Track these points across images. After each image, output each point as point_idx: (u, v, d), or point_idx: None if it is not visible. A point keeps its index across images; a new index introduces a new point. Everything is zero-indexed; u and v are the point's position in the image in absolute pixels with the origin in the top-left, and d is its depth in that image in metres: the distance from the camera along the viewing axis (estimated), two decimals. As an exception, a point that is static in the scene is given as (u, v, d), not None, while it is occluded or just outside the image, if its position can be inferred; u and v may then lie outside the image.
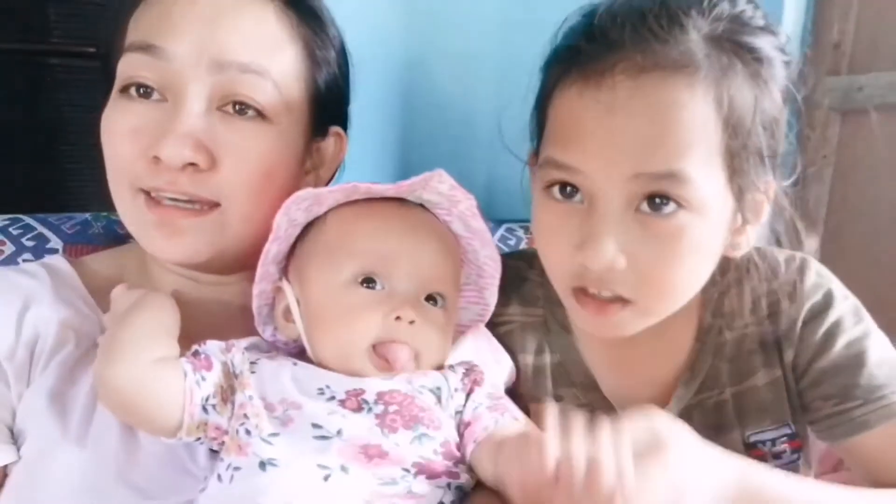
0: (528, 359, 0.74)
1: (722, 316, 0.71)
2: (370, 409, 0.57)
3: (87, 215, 0.89)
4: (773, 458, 0.70)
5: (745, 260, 0.69)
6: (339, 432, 0.55)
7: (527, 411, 0.70)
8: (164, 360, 0.58)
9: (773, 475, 0.59)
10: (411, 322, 0.60)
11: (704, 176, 0.58)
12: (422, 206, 0.66)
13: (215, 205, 0.66)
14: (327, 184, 0.77)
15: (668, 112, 0.57)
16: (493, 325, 0.74)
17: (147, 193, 0.66)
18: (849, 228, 1.20)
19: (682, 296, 0.64)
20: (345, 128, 0.78)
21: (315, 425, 0.55)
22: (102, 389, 0.58)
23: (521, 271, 0.77)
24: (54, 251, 0.84)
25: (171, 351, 0.60)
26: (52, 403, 0.61)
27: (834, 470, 0.82)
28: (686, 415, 0.69)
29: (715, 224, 0.60)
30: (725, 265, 0.69)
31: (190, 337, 0.63)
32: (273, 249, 0.63)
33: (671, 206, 0.59)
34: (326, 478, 0.53)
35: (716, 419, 0.70)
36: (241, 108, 0.66)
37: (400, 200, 0.65)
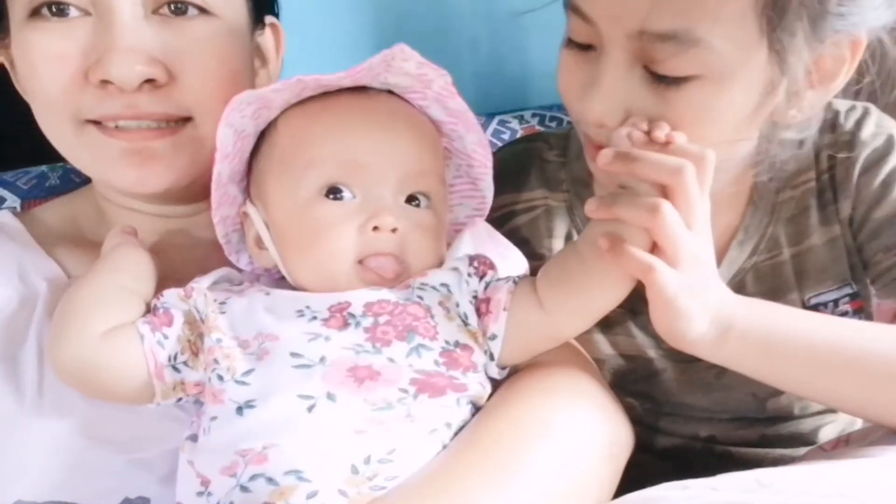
0: (559, 244, 0.69)
1: (780, 174, 0.64)
2: (358, 324, 0.49)
3: (44, 167, 0.83)
4: None
5: None
6: (321, 359, 0.47)
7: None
8: (117, 329, 0.51)
9: (786, 308, 0.55)
10: (393, 230, 0.52)
11: (727, 39, 0.51)
12: (391, 92, 0.57)
13: (186, 119, 0.59)
14: None
15: None
16: (517, 213, 0.69)
17: (97, 123, 0.57)
18: None
19: None
20: (277, 18, 0.70)
21: (294, 354, 0.48)
22: (56, 370, 0.52)
23: (541, 153, 0.71)
24: (13, 210, 0.78)
25: (129, 313, 0.52)
26: (2, 366, 0.55)
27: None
28: (739, 280, 0.64)
29: (738, 91, 0.53)
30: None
31: (162, 280, 0.56)
32: (225, 169, 0.55)
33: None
34: (311, 408, 0.46)
35: (772, 282, 0.64)
36: (178, 6, 0.57)
37: (363, 90, 0.56)
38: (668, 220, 0.45)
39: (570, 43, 0.58)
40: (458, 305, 0.52)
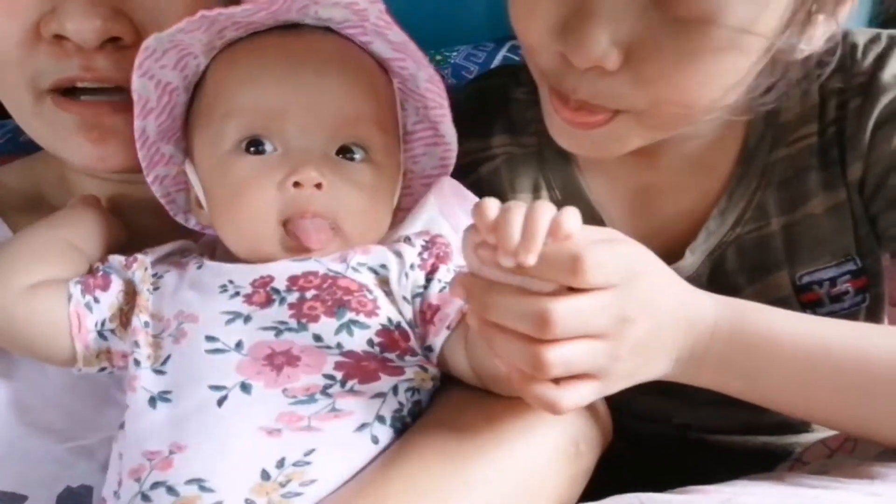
0: (525, 199, 0.61)
1: (776, 127, 0.55)
2: (282, 300, 0.46)
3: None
4: (830, 301, 0.57)
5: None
6: (238, 345, 0.44)
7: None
8: (45, 284, 0.49)
9: (774, 312, 0.45)
10: (317, 186, 0.47)
11: None
12: (328, 29, 0.51)
13: None
14: None
15: None
16: (475, 165, 0.61)
17: (53, 94, 0.54)
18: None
19: (696, 108, 0.48)
20: None
21: (209, 338, 0.45)
22: None
23: (505, 91, 0.63)
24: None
25: (65, 269, 0.50)
26: None
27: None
28: (718, 255, 0.57)
29: (760, 9, 0.43)
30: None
31: (126, 248, 0.54)
32: (150, 125, 0.51)
33: None
34: (221, 401, 0.43)
35: (757, 257, 0.57)
36: None
37: (294, 29, 0.51)
38: (562, 347, 0.36)
39: None
40: (392, 294, 0.47)
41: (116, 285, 0.50)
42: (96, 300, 0.49)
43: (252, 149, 0.48)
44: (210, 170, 0.50)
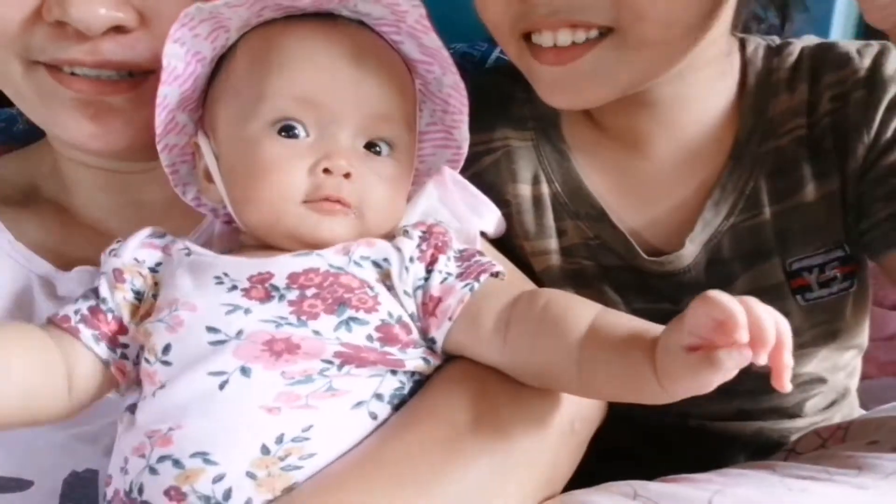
0: (525, 189, 0.63)
1: (766, 121, 0.58)
2: (282, 297, 0.46)
3: (15, 109, 0.72)
4: (819, 286, 0.58)
5: (801, 54, 0.59)
6: (238, 333, 0.45)
7: (523, 260, 0.62)
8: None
9: None
10: (346, 175, 0.48)
11: None
12: (361, 23, 0.52)
13: (149, 72, 0.54)
14: None
15: None
16: (476, 157, 0.63)
17: (49, 66, 0.53)
18: None
19: (674, 28, 0.50)
20: None
21: (210, 328, 0.45)
22: None
23: (503, 87, 0.65)
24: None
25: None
26: None
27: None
28: (714, 242, 0.59)
29: None
30: (776, 63, 0.58)
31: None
32: (173, 92, 0.50)
33: None
34: (222, 385, 0.44)
35: (751, 245, 0.59)
36: None
37: (330, 18, 0.51)
38: None
39: None
40: (394, 288, 0.48)
41: (126, 317, 0.49)
42: (125, 346, 0.49)
43: (284, 132, 0.48)
44: (233, 146, 0.50)
